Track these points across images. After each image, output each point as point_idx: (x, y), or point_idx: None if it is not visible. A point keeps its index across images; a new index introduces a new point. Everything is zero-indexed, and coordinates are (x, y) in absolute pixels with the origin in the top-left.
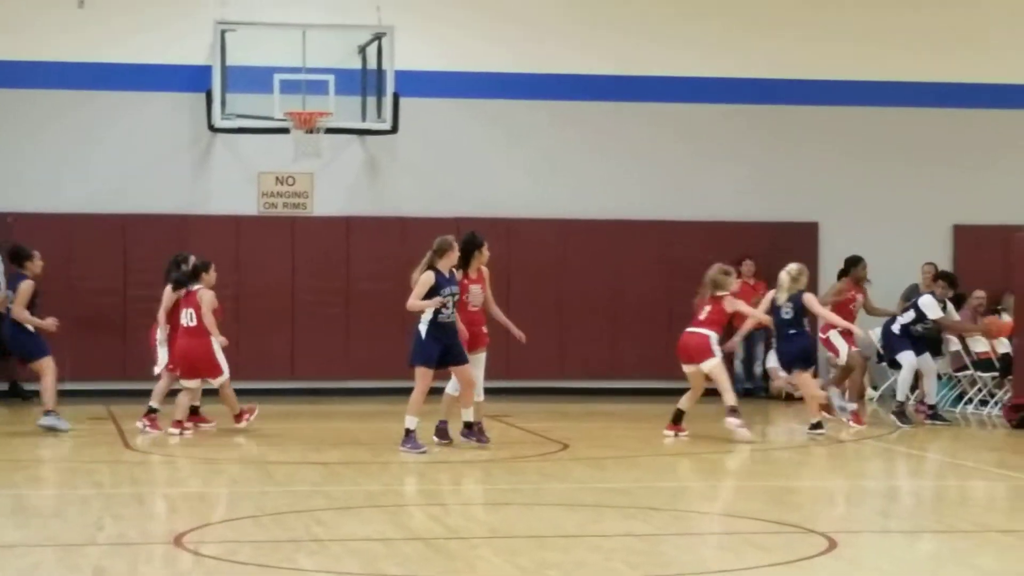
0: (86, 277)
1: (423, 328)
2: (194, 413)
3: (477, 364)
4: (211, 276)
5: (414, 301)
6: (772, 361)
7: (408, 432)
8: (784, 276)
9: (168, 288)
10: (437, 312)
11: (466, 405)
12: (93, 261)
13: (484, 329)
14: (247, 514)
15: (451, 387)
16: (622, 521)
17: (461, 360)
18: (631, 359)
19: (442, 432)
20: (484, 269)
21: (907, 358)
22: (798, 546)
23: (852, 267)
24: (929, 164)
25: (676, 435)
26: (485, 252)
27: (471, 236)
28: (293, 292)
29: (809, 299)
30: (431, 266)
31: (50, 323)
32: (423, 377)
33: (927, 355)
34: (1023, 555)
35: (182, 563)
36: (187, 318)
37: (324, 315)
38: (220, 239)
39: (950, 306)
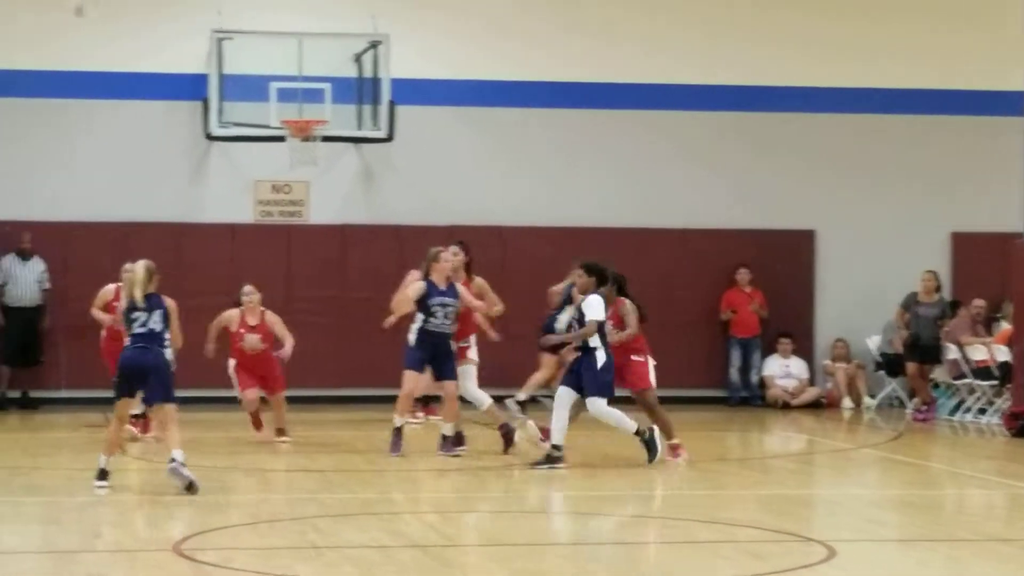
0: (84, 285)
1: (411, 336)
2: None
3: (465, 376)
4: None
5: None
6: (768, 369)
7: (396, 430)
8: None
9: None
10: (425, 320)
11: (448, 419)
12: (91, 269)
13: (460, 344)
14: (244, 521)
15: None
16: (617, 530)
17: (446, 375)
18: None
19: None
20: (473, 282)
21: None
22: (796, 555)
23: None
24: (927, 172)
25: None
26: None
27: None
28: (288, 300)
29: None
30: (426, 275)
31: None
32: (407, 380)
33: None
34: (1021, 564)
35: (179, 570)
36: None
37: (319, 323)
38: (216, 247)
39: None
